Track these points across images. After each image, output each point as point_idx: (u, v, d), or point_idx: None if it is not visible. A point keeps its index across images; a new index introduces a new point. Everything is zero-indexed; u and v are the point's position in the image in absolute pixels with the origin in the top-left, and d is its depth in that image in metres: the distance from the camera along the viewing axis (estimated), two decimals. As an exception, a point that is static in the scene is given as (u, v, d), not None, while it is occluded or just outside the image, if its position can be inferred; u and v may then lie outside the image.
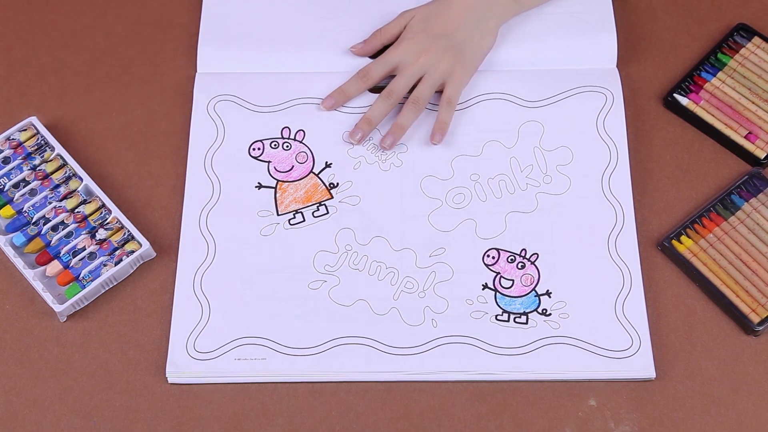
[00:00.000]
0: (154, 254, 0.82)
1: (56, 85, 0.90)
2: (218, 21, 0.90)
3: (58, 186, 0.84)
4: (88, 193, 0.84)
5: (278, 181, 0.84)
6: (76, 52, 0.92)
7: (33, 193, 0.83)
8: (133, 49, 0.92)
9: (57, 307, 0.78)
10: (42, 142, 0.85)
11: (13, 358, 0.79)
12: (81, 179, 0.84)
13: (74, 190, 0.84)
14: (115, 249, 0.81)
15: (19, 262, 0.80)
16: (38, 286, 0.79)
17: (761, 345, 0.77)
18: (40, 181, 0.84)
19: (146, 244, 0.81)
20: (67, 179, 0.84)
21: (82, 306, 0.80)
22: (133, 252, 0.80)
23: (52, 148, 0.85)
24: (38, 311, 0.80)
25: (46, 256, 0.81)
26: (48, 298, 0.78)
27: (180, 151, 0.86)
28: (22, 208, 0.82)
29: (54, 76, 0.91)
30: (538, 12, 0.88)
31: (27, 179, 0.84)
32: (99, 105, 0.89)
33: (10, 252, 0.81)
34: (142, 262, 0.82)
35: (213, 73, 0.88)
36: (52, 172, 0.84)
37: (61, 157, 0.85)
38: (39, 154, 0.85)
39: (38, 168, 0.84)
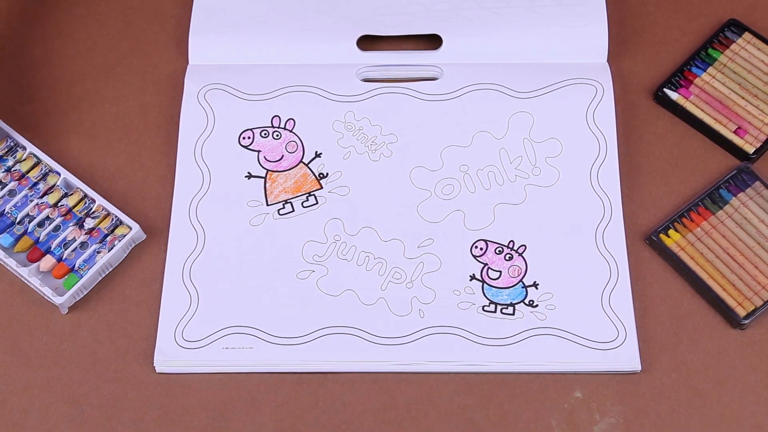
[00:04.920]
0: (144, 236, 0.82)
1: (49, 75, 0.90)
2: (210, 12, 0.90)
3: (36, 183, 0.83)
4: (68, 186, 0.84)
5: (268, 170, 0.84)
6: (68, 44, 0.92)
7: (12, 194, 0.83)
8: (125, 41, 0.92)
9: (58, 300, 0.78)
10: (12, 144, 0.85)
11: (2, 347, 0.79)
12: (59, 173, 0.84)
13: (54, 185, 0.83)
14: (106, 235, 0.81)
15: (11, 262, 0.80)
16: (35, 282, 0.79)
17: (747, 338, 0.77)
18: (17, 182, 0.83)
19: (136, 227, 0.81)
20: (45, 175, 0.84)
21: (82, 296, 0.80)
22: (124, 236, 0.81)
23: (24, 148, 0.85)
24: (27, 301, 0.80)
25: (37, 252, 0.81)
26: (48, 291, 0.78)
27: (171, 142, 0.86)
28: (4, 210, 0.82)
29: (47, 66, 0.91)
30: (530, 4, 0.88)
31: (3, 181, 0.83)
32: (91, 96, 0.89)
33: (0, 254, 0.80)
34: (134, 245, 0.82)
35: (204, 65, 0.88)
36: (28, 171, 0.84)
37: (35, 156, 0.84)
38: (11, 156, 0.85)
39: (13, 169, 0.84)
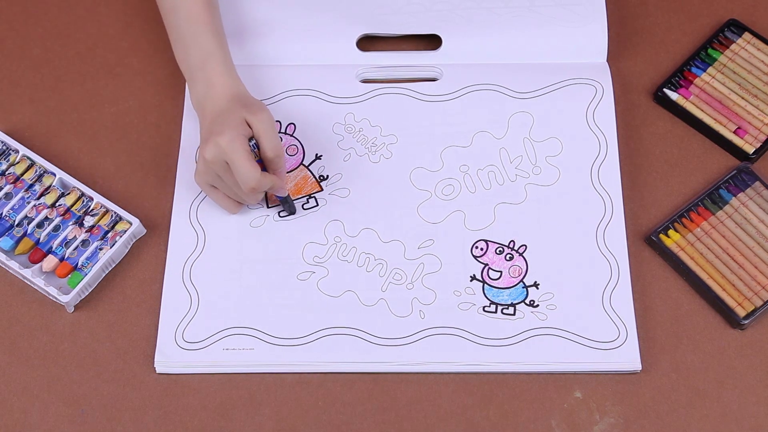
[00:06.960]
0: (145, 231, 0.82)
1: (49, 75, 0.90)
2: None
3: (32, 185, 0.83)
4: (65, 186, 0.84)
5: (268, 172, 0.84)
6: (68, 44, 0.92)
7: (9, 197, 0.83)
8: (125, 41, 0.92)
9: (64, 298, 0.78)
10: (4, 147, 0.85)
11: (2, 347, 0.79)
12: (54, 174, 0.83)
13: (50, 186, 0.83)
14: (107, 232, 0.81)
15: (13, 264, 0.80)
16: (39, 282, 0.79)
17: (747, 338, 0.78)
18: (12, 185, 0.83)
19: (136, 221, 0.81)
20: (40, 177, 0.84)
21: (87, 293, 0.80)
22: (125, 231, 0.81)
23: (16, 151, 0.85)
24: (27, 301, 0.80)
25: (38, 253, 0.81)
26: (53, 291, 0.78)
27: (171, 142, 0.86)
28: (2, 213, 0.82)
29: (47, 66, 0.91)
30: (529, 4, 0.88)
31: None
32: (91, 96, 0.89)
33: (1, 257, 0.80)
34: (135, 240, 0.82)
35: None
36: (23, 174, 0.84)
37: (28, 158, 0.84)
38: (4, 159, 0.85)
39: (7, 172, 0.84)
